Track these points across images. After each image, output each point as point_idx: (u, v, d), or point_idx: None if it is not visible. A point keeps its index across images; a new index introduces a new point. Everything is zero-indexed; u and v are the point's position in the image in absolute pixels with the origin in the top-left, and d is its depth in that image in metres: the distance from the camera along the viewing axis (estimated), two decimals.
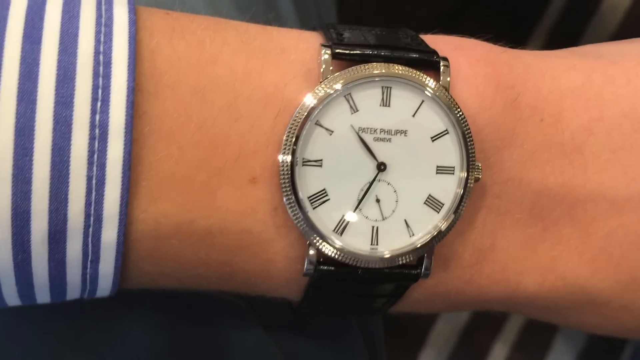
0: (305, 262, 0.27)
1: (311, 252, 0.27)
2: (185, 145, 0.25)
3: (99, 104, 0.23)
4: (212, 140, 0.25)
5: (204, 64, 0.25)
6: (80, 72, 0.23)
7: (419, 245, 0.27)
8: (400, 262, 0.28)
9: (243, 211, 0.26)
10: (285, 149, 0.26)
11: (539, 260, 0.30)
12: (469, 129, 0.27)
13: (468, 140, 0.27)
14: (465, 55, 0.28)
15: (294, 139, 0.26)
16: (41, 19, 0.23)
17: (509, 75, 0.29)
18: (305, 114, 0.26)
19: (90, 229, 0.24)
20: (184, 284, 0.28)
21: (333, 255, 0.27)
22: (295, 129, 0.26)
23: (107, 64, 0.23)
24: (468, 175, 0.27)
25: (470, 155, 0.27)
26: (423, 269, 0.28)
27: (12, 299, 0.26)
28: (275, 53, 0.26)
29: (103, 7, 0.25)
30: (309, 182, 0.26)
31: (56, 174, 0.23)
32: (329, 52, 0.26)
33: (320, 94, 0.26)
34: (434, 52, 0.27)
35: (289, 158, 0.26)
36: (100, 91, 0.23)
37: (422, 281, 0.29)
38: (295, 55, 0.27)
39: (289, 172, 0.26)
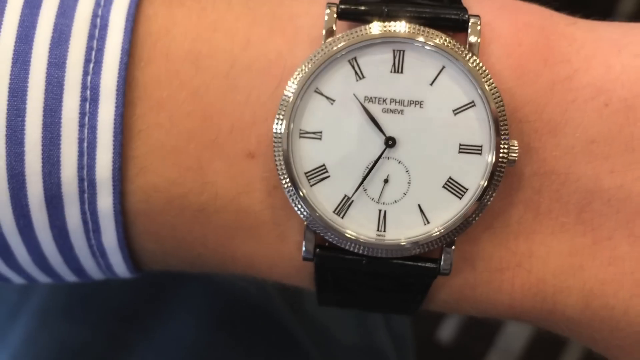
0: (303, 245, 0.24)
1: (309, 234, 0.24)
2: (176, 114, 0.23)
3: (91, 65, 0.23)
4: (205, 110, 0.23)
5: (202, 30, 0.24)
6: (75, 35, 0.23)
7: (434, 236, 0.23)
8: (412, 254, 0.23)
9: (237, 189, 0.24)
10: (279, 118, 0.23)
11: (584, 281, 0.24)
12: (501, 101, 0.23)
13: (500, 115, 0.23)
14: (510, 19, 0.24)
15: (290, 108, 0.23)
16: None
17: (567, 48, 0.24)
18: (301, 79, 0.23)
19: (86, 195, 0.23)
20: (191, 265, 0.27)
21: (333, 240, 0.23)
22: (290, 97, 0.23)
23: (104, 26, 0.23)
24: (498, 156, 0.23)
25: (502, 133, 0.23)
26: (442, 264, 0.24)
27: (33, 270, 0.26)
28: (283, 19, 0.24)
29: None
30: (306, 157, 0.24)
31: (48, 136, 0.23)
32: (334, 9, 0.23)
33: (318, 58, 0.23)
34: (463, 10, 0.23)
35: (282, 128, 0.23)
36: (93, 53, 0.23)
37: (445, 280, 0.25)
38: (305, 20, 0.24)
39: (282, 145, 0.23)
